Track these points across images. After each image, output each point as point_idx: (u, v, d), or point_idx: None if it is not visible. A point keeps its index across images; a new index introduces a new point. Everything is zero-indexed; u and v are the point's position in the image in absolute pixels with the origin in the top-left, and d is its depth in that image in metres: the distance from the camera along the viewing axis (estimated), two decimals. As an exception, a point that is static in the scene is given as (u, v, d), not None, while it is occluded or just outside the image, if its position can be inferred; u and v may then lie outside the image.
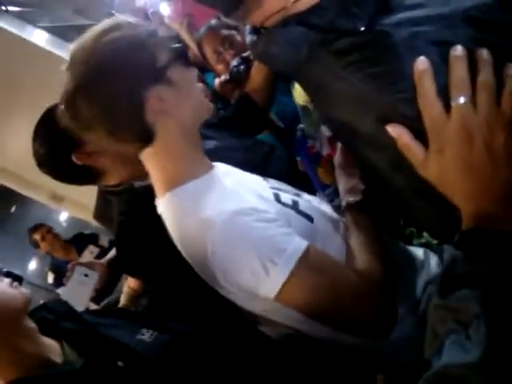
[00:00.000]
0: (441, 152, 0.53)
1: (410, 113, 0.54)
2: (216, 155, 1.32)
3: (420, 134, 0.54)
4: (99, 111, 0.86)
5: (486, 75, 0.51)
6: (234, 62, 1.59)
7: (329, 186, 1.11)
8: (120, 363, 0.87)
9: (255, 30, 0.67)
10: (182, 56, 0.92)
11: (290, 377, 0.89)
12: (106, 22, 0.89)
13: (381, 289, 0.83)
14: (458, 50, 0.52)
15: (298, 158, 1.16)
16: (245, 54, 1.58)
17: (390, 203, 0.83)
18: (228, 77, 1.63)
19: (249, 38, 0.67)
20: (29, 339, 0.86)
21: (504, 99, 0.51)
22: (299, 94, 1.20)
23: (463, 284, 0.48)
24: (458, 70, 0.52)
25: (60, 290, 1.69)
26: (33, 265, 7.04)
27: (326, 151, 1.09)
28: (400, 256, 1.01)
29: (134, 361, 0.88)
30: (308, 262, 0.80)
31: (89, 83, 0.85)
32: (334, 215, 1.00)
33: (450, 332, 0.47)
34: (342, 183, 0.99)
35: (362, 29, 0.56)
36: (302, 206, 0.94)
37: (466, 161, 0.52)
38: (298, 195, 1.00)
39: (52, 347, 0.89)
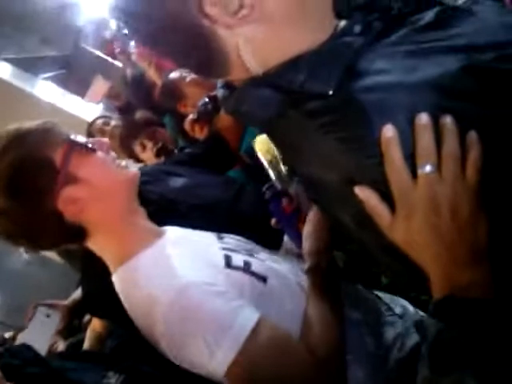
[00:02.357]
0: (407, 218, 0.54)
1: (378, 177, 0.55)
2: (186, 193, 1.34)
3: (387, 197, 0.55)
4: (22, 234, 0.92)
5: (450, 144, 0.53)
6: (202, 101, 1.62)
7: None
8: None
9: (226, 85, 0.69)
10: (78, 145, 0.91)
11: None
12: None
13: (332, 364, 0.81)
14: (424, 119, 0.53)
15: (273, 219, 1.12)
16: (212, 93, 1.62)
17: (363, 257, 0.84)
18: (196, 116, 1.66)
19: (220, 92, 0.69)
20: None
21: (468, 168, 0.53)
22: (263, 149, 1.16)
23: (455, 360, 0.49)
24: (424, 138, 0.53)
25: (20, 335, 1.63)
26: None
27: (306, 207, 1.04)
28: (368, 310, 0.97)
29: None
30: (256, 340, 0.78)
31: (3, 209, 0.89)
32: (292, 275, 0.98)
33: None
34: (308, 244, 0.96)
35: (331, 92, 0.57)
36: (255, 266, 0.92)
37: (433, 228, 0.53)
38: (251, 255, 0.98)
39: None
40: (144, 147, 2.05)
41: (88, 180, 0.90)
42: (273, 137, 0.72)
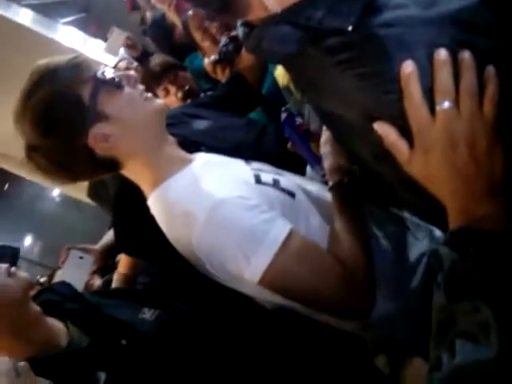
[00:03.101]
0: (426, 153, 0.55)
1: (397, 113, 0.55)
2: (209, 136, 1.35)
3: (406, 132, 0.56)
4: (56, 168, 0.93)
5: (468, 80, 0.53)
6: (223, 42, 1.59)
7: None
8: (124, 341, 0.91)
9: (246, 24, 0.68)
10: (105, 83, 0.91)
11: (285, 351, 0.93)
12: (28, 79, 0.91)
13: (361, 274, 0.84)
14: (442, 54, 0.53)
15: (289, 143, 1.16)
16: (233, 33, 1.59)
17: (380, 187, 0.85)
18: (217, 57, 1.63)
19: (240, 30, 0.69)
20: (33, 324, 0.88)
21: (485, 103, 0.53)
22: (281, 75, 1.20)
23: (469, 289, 0.50)
24: (442, 74, 0.53)
25: (58, 273, 1.69)
26: (28, 240, 7.08)
27: (315, 126, 1.08)
28: (392, 229, 1.01)
29: (136, 339, 0.92)
30: (289, 249, 0.82)
31: (36, 146, 0.91)
32: (319, 193, 1.01)
33: (462, 332, 0.49)
34: (328, 161, 0.97)
35: (350, 28, 0.57)
36: (283, 183, 0.96)
37: (450, 163, 0.54)
38: (279, 174, 1.02)
39: (57, 328, 0.92)
40: (168, 92, 2.02)
41: (117, 116, 0.90)
42: (293, 72, 0.72)
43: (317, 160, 1.06)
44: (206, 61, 1.73)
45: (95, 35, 4.27)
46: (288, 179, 1.00)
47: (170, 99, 2.05)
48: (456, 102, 0.53)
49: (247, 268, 0.82)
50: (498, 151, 0.53)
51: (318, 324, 0.92)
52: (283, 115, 1.10)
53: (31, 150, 0.91)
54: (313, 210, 0.95)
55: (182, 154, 0.99)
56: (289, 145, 1.15)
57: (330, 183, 0.96)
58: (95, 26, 4.98)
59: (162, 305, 1.01)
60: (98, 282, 1.75)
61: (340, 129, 0.70)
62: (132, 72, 0.96)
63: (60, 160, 0.91)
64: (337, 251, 0.86)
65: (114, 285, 1.61)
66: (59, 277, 1.65)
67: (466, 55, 0.53)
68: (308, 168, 1.19)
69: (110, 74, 0.92)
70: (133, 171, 0.96)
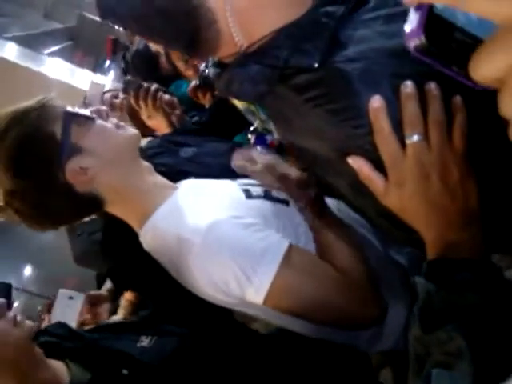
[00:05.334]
0: (399, 185, 0.55)
1: (368, 147, 0.56)
2: (194, 163, 1.37)
3: (379, 165, 0.56)
4: (36, 212, 0.93)
5: (435, 112, 0.53)
6: (203, 67, 1.62)
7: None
8: (125, 371, 0.92)
9: (217, 64, 0.70)
10: (76, 116, 0.92)
11: (284, 371, 0.93)
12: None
13: (363, 281, 0.84)
14: (408, 87, 0.54)
15: None
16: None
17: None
18: (198, 82, 1.66)
19: (212, 71, 0.71)
20: (37, 366, 0.88)
21: (455, 134, 0.54)
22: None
23: (444, 319, 0.50)
24: (410, 107, 0.54)
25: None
26: (28, 271, 7.01)
27: None
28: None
29: (137, 368, 0.92)
30: (289, 264, 0.81)
31: (12, 191, 0.90)
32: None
33: (437, 363, 0.49)
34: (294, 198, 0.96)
35: (316, 65, 0.58)
36: (275, 192, 0.95)
37: (424, 194, 0.55)
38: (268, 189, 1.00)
39: (58, 368, 0.92)
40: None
41: (91, 148, 0.91)
42: (267, 110, 0.74)
43: None
44: (189, 86, 1.76)
45: (82, 63, 4.30)
46: (278, 192, 0.99)
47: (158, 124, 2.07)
48: (425, 133, 0.54)
49: (250, 289, 0.81)
50: (471, 180, 0.54)
51: (317, 342, 0.91)
52: (252, 137, 1.10)
53: (8, 196, 0.91)
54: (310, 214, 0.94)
55: (165, 181, 0.99)
56: None
57: (301, 203, 0.95)
58: (82, 53, 5.01)
59: (159, 331, 1.02)
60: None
61: (317, 165, 0.71)
62: (103, 107, 0.98)
63: (39, 202, 0.91)
64: (334, 262, 0.86)
65: (119, 311, 1.62)
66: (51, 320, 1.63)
67: (431, 86, 0.54)
68: None
69: (79, 110, 0.94)
70: (118, 207, 0.96)
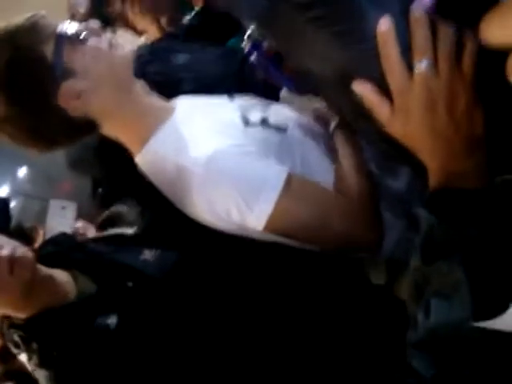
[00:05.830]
0: (405, 113, 0.54)
1: (374, 72, 0.54)
2: (189, 70, 1.33)
3: (385, 91, 0.55)
4: (30, 137, 0.91)
5: (446, 38, 0.51)
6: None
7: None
8: (130, 284, 0.95)
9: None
10: (67, 37, 0.87)
11: (280, 280, 0.95)
12: None
13: (369, 206, 0.86)
14: (419, 12, 0.51)
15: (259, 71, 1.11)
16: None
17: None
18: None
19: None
20: (45, 285, 0.89)
21: (464, 62, 0.52)
22: None
23: (445, 252, 0.51)
24: (420, 33, 0.51)
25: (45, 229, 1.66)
26: (23, 172, 7.03)
27: None
28: None
29: (141, 281, 0.96)
30: (289, 192, 0.83)
31: (4, 117, 0.88)
32: (306, 121, 1.00)
33: (436, 292, 0.50)
34: None
35: None
36: (272, 119, 0.94)
37: (430, 123, 0.53)
38: (266, 108, 1.00)
39: (64, 279, 0.94)
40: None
41: (85, 70, 0.87)
42: (266, 29, 0.71)
43: (293, 81, 1.01)
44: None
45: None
46: (277, 112, 0.99)
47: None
48: (434, 60, 0.52)
49: (251, 216, 0.83)
50: (477, 109, 0.53)
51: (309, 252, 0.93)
52: (247, 44, 1.05)
53: (1, 121, 0.89)
54: (307, 142, 0.95)
55: (163, 103, 0.97)
56: (259, 73, 1.12)
57: (333, 124, 0.96)
58: None
59: (161, 244, 1.04)
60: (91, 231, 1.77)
61: (317, 86, 0.69)
62: (94, 22, 0.92)
63: (32, 127, 0.90)
64: (342, 184, 0.88)
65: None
66: (47, 230, 1.62)
67: None
68: (282, 92, 1.16)
69: (71, 28, 0.89)
70: (113, 130, 0.94)
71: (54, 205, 1.58)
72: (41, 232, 1.84)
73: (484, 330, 0.45)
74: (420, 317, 0.51)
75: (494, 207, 0.52)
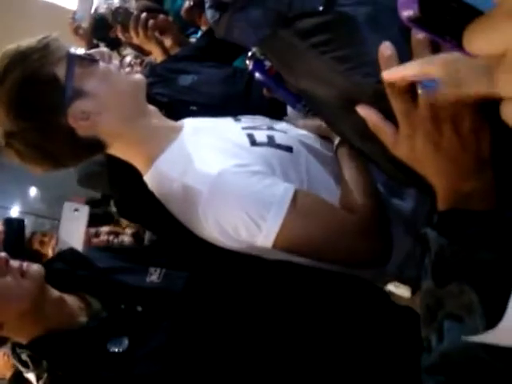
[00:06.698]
0: (411, 135, 0.54)
1: (378, 96, 0.54)
2: (195, 92, 1.34)
3: (388, 114, 0.54)
4: (36, 154, 0.91)
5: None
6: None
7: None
8: (139, 308, 0.94)
9: (214, 5, 0.66)
10: (79, 58, 0.89)
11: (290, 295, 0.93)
12: None
13: (375, 221, 0.86)
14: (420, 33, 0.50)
15: (264, 89, 1.13)
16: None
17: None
18: (191, 2, 1.58)
19: (209, 13, 0.67)
20: (55, 305, 0.89)
21: None
22: None
23: (456, 273, 0.50)
24: (422, 54, 0.50)
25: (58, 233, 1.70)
26: (33, 192, 7.08)
27: None
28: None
29: (150, 305, 0.94)
30: (296, 209, 0.83)
31: (13, 132, 0.88)
32: (312, 140, 1.01)
33: (449, 314, 0.49)
34: None
35: (321, 8, 0.55)
36: (279, 138, 0.95)
37: (436, 145, 0.53)
38: (272, 128, 1.01)
39: (77, 305, 0.93)
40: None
41: (95, 92, 0.89)
42: (269, 54, 0.71)
43: (296, 98, 1.05)
44: (183, 8, 1.67)
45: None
46: (282, 132, 1.00)
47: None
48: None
49: (259, 234, 0.83)
50: (484, 129, 0.53)
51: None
52: (250, 63, 1.06)
53: (9, 137, 0.90)
54: (313, 161, 0.96)
55: (170, 123, 0.98)
56: (264, 91, 1.13)
57: (336, 141, 0.96)
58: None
59: (166, 263, 1.02)
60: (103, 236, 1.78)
61: (322, 110, 0.69)
62: (104, 49, 0.95)
63: (40, 144, 0.90)
64: (347, 200, 0.88)
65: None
66: (61, 233, 1.63)
67: None
68: (289, 109, 1.18)
69: (82, 51, 0.92)
70: (120, 151, 0.96)
71: (68, 207, 1.60)
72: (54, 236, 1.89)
73: (497, 352, 0.44)
74: (433, 339, 0.51)
75: (504, 229, 0.51)
